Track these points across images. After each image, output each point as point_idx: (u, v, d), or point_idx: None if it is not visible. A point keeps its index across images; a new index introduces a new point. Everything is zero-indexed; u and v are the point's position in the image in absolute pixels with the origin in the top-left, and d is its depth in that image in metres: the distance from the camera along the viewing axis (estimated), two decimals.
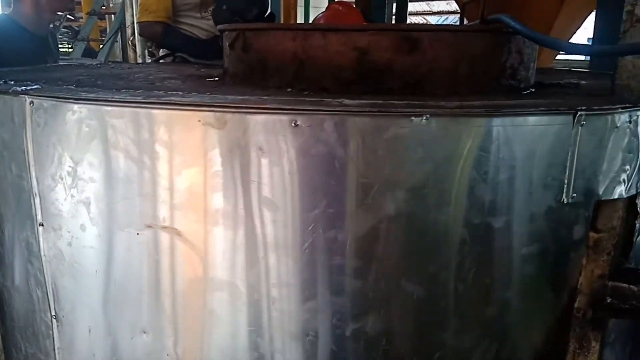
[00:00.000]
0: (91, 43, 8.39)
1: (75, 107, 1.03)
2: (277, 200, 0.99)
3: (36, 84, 1.16)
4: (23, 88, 1.10)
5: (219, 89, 1.26)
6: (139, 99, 0.98)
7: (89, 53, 7.31)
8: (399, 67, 1.18)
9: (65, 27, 14.92)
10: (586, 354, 1.15)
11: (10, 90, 1.11)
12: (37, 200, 1.16)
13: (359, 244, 1.02)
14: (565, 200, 1.08)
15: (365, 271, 1.03)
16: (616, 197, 1.13)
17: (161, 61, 2.88)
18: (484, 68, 1.24)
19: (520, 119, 1.00)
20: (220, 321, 1.07)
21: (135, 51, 4.32)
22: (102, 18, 10.19)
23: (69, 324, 1.23)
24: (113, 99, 0.99)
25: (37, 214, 1.16)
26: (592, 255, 1.15)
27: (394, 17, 4.63)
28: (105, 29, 10.21)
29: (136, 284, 1.11)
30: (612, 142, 1.10)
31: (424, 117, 0.96)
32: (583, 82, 1.56)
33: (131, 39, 4.49)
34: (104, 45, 6.60)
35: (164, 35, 2.95)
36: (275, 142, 0.96)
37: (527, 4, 2.97)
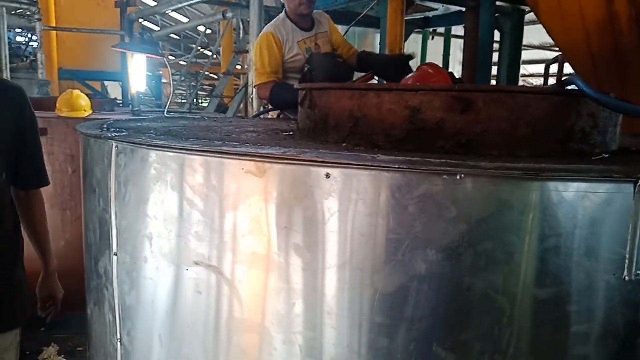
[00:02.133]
0: (225, 99, 9.29)
1: (146, 151, 1.17)
2: (307, 248, 1.02)
3: (125, 131, 1.35)
4: (111, 134, 1.28)
5: (282, 142, 1.35)
6: (195, 147, 1.10)
7: (224, 109, 8.07)
8: (450, 127, 1.17)
9: (207, 84, 16.72)
10: None
11: (102, 136, 1.30)
12: (114, 232, 1.31)
13: (387, 301, 1.00)
14: (627, 277, 0.98)
15: (393, 331, 1.01)
16: None
17: (262, 116, 3.09)
18: (546, 131, 1.18)
19: (564, 185, 0.94)
20: None
21: (252, 106, 4.70)
22: (238, 77, 11.27)
23: (131, 349, 1.35)
24: (174, 146, 1.12)
25: (112, 245, 1.31)
26: None
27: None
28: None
29: (184, 318, 1.19)
30: None
31: (458, 176, 0.95)
32: None
33: (252, 96, 4.91)
34: (232, 101, 7.28)
35: (272, 92, 3.15)
36: (308, 193, 1.00)
37: None
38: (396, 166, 0.96)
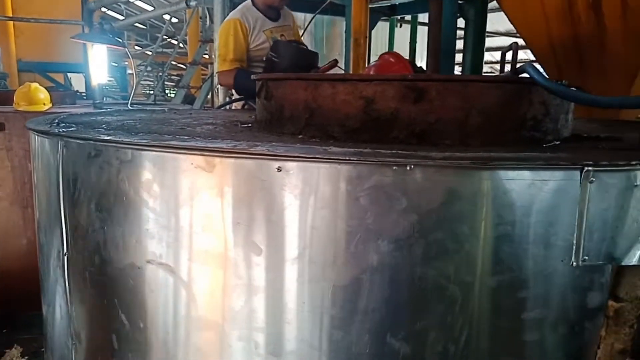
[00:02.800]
0: (192, 90, 9.12)
1: (93, 147, 1.13)
2: (260, 244, 1.01)
3: (74, 126, 1.30)
4: (59, 130, 1.24)
5: (236, 136, 1.32)
6: (142, 143, 1.07)
7: (192, 99, 7.91)
8: (404, 117, 1.17)
9: (175, 75, 16.41)
10: None
11: (50, 132, 1.25)
12: (64, 232, 1.27)
13: (341, 294, 1.00)
14: (574, 262, 0.99)
15: (348, 323, 1.01)
16: None
17: (229, 107, 3.04)
18: (499, 119, 1.19)
19: (513, 173, 0.94)
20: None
21: (218, 97, 4.63)
22: (206, 66, 11.08)
23: (85, 349, 1.31)
24: (121, 142, 1.08)
25: (64, 244, 1.27)
26: (612, 327, 1.03)
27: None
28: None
29: (140, 318, 1.17)
30: (633, 202, 1.00)
31: (408, 167, 0.94)
32: (631, 134, 1.43)
33: (217, 86, 4.83)
34: (199, 92, 7.15)
35: (236, 79, 3.09)
36: (259, 187, 0.99)
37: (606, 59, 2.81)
38: (347, 158, 0.95)
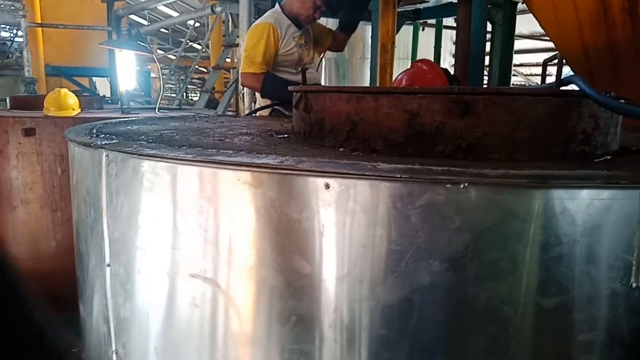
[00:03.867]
0: (216, 95, 9.19)
1: (138, 161, 1.13)
2: (308, 260, 0.99)
3: (115, 139, 1.31)
4: (101, 142, 1.24)
5: (277, 148, 1.31)
6: (188, 158, 1.06)
7: (215, 104, 7.97)
8: (450, 131, 1.14)
9: (197, 78, 16.55)
10: None
11: (92, 144, 1.26)
12: (107, 244, 1.27)
13: (390, 313, 0.98)
14: (633, 284, 0.96)
15: (396, 343, 0.99)
16: None
17: (258, 114, 3.04)
18: (547, 133, 1.16)
19: (571, 192, 0.91)
20: None
21: (244, 102, 4.64)
22: (228, 71, 11.16)
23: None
24: (167, 156, 1.08)
25: (105, 256, 1.28)
26: None
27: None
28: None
29: (180, 331, 1.16)
30: None
31: (462, 185, 0.92)
32: None
33: (242, 91, 4.85)
34: (222, 96, 7.19)
35: (265, 83, 3.10)
36: (307, 203, 0.97)
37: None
38: (398, 175, 0.93)
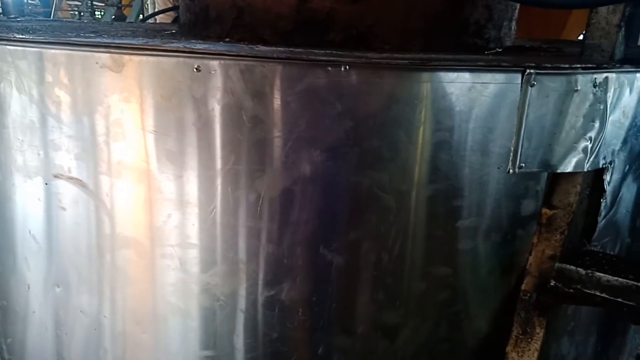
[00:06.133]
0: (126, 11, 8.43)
1: None
2: (179, 153, 0.91)
3: None
4: None
5: (150, 36, 1.18)
6: (38, 39, 0.92)
7: (123, 19, 7.33)
8: (341, 18, 1.07)
9: None
10: (529, 340, 1.04)
11: None
12: None
13: (271, 206, 0.93)
14: (511, 169, 0.97)
15: (279, 235, 0.95)
16: (575, 170, 1.01)
17: (157, 17, 2.80)
18: (441, 23, 1.11)
19: (452, 75, 0.88)
20: (128, 280, 1.02)
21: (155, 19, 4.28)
22: None
23: None
24: (13, 38, 0.93)
25: None
26: (544, 234, 1.04)
27: None
28: None
29: (50, 238, 1.06)
30: (571, 108, 0.97)
31: (343, 67, 0.86)
32: (572, 48, 1.40)
33: (147, 2, 4.46)
34: (131, 11, 6.61)
35: None
36: (176, 89, 0.88)
37: None
38: (275, 56, 0.86)
